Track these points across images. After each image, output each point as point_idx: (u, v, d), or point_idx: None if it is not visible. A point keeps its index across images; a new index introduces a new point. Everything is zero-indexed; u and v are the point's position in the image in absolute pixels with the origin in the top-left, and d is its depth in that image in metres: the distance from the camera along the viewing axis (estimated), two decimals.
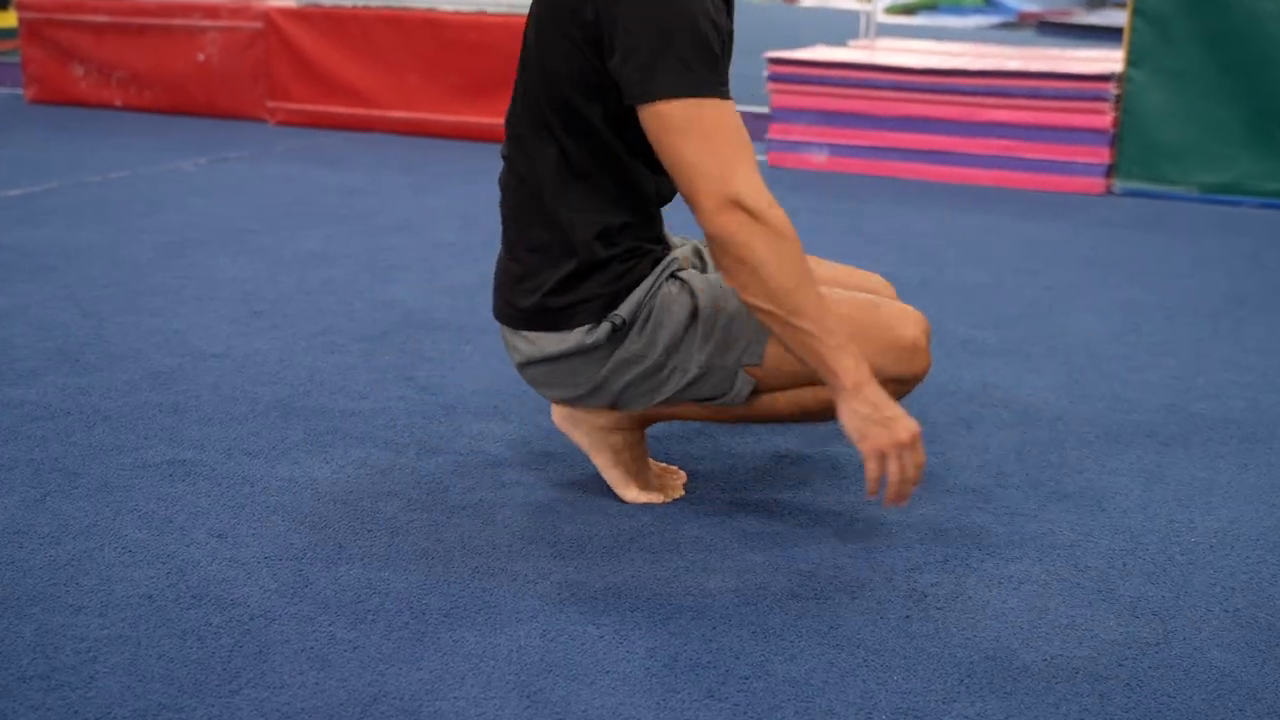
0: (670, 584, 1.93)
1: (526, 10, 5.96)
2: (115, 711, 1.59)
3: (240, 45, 6.40)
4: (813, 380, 2.02)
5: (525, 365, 2.12)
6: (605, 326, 2.02)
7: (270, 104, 6.40)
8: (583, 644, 1.76)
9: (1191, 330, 3.27)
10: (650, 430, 2.42)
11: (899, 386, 2.05)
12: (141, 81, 6.63)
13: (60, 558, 1.97)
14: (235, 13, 6.37)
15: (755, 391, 2.06)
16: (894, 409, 1.89)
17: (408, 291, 3.47)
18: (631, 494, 2.19)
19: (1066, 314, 3.40)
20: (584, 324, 2.02)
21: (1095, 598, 1.92)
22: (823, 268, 2.23)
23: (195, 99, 6.56)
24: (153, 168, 5.23)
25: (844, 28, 9.23)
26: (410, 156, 5.61)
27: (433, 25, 6.01)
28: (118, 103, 6.71)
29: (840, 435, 2.41)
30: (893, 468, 1.89)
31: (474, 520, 2.13)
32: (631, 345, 2.04)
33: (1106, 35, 11.72)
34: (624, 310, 2.03)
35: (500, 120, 6.57)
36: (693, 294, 2.05)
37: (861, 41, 6.46)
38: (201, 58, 6.49)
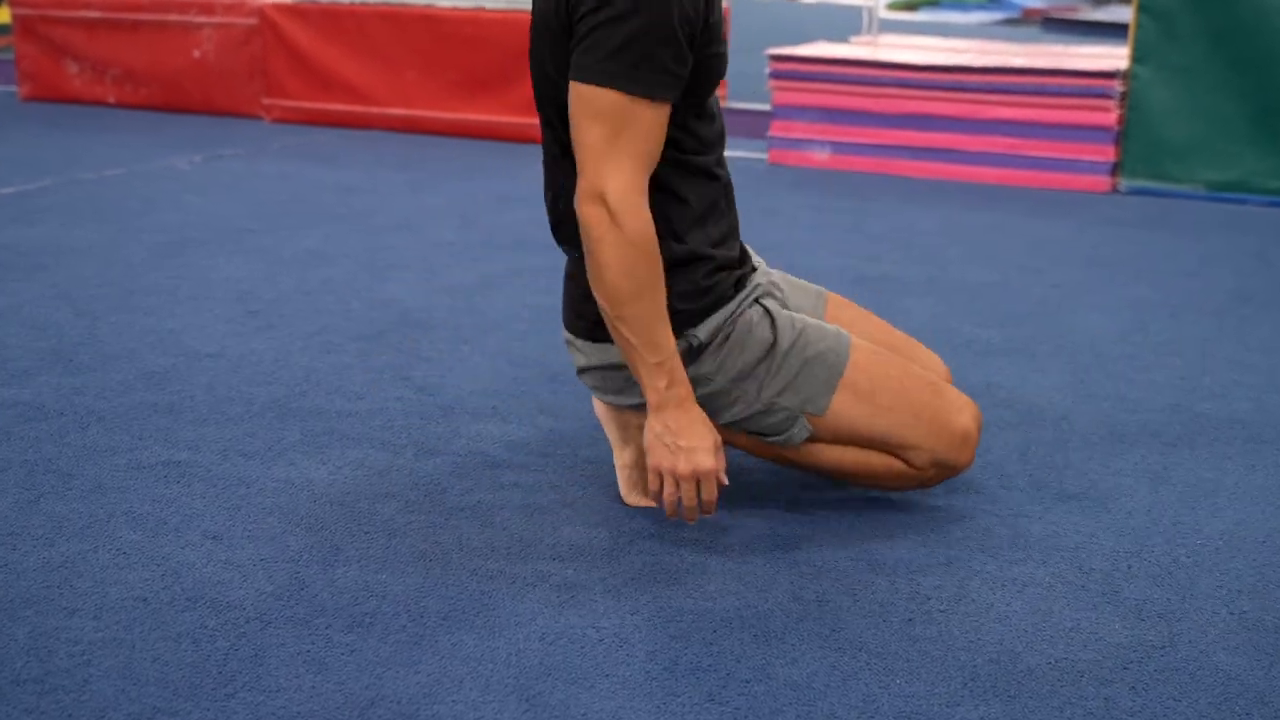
0: (671, 586, 1.93)
1: (525, 7, 5.98)
2: (109, 715, 1.59)
3: (236, 41, 6.40)
4: (866, 443, 2.08)
5: (586, 371, 2.13)
6: (681, 345, 2.03)
7: (266, 101, 6.40)
8: (582, 647, 1.76)
9: (1197, 329, 3.28)
10: None
11: (940, 471, 2.11)
12: (136, 78, 6.63)
13: (54, 560, 1.98)
14: (230, 9, 6.38)
15: (808, 439, 2.09)
16: (690, 440, 1.93)
17: (405, 291, 3.47)
18: (634, 497, 2.19)
19: (1072, 313, 3.40)
20: None
21: (1100, 600, 1.92)
22: (893, 337, 2.28)
23: (190, 96, 6.56)
24: (147, 166, 5.23)
25: (846, 24, 9.23)
26: (408, 154, 5.61)
27: (430, 21, 6.01)
28: (112, 100, 6.71)
29: None
30: (667, 489, 1.97)
31: (472, 522, 2.13)
32: (702, 366, 2.05)
33: (1111, 31, 11.72)
34: (702, 332, 2.03)
35: (500, 117, 6.59)
36: (774, 327, 2.07)
37: (864, 38, 6.46)
38: (197, 54, 6.49)
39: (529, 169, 5.35)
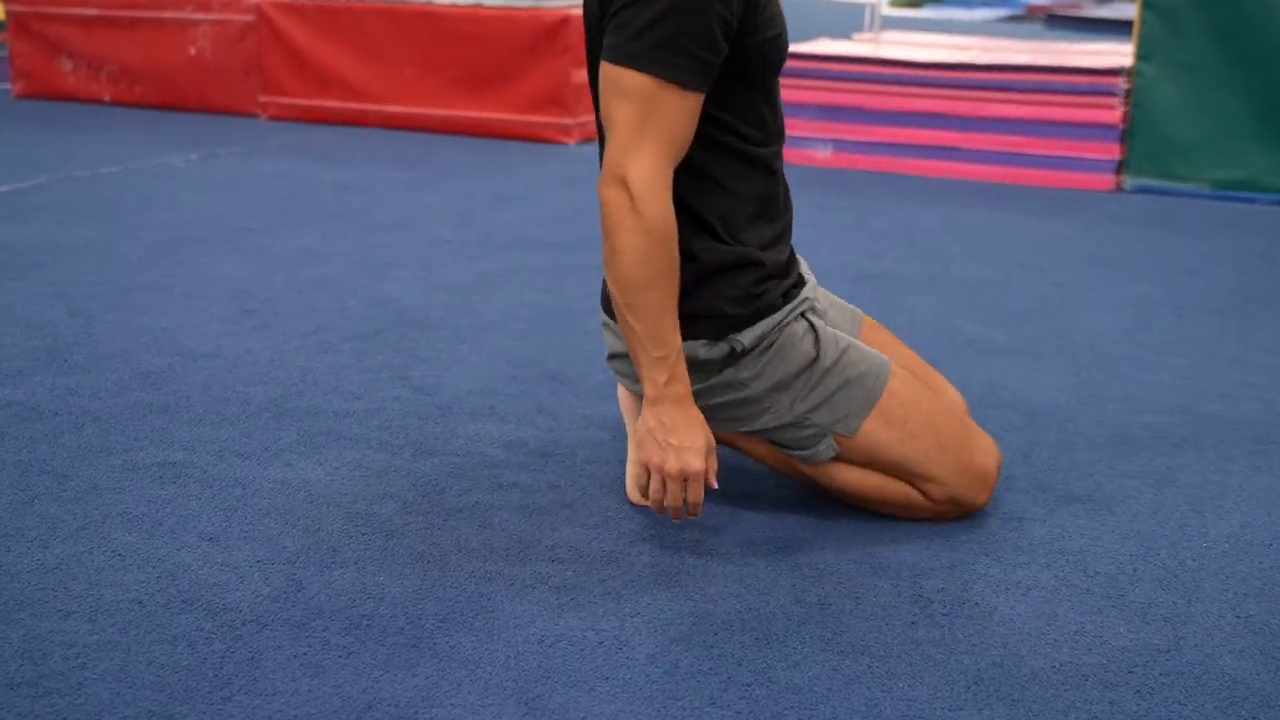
0: (671, 589, 1.93)
1: (524, 4, 5.98)
2: (105, 719, 1.59)
3: (232, 39, 6.40)
4: (888, 470, 2.10)
5: (617, 357, 2.13)
6: (723, 347, 2.03)
7: (262, 98, 6.40)
8: (582, 650, 1.76)
9: (1203, 329, 3.27)
10: None
11: (955, 508, 2.13)
12: (131, 76, 6.64)
13: (48, 561, 1.97)
14: (226, 6, 6.38)
15: (832, 458, 2.10)
16: (681, 439, 1.93)
17: (403, 290, 3.47)
18: (639, 496, 2.19)
19: (1075, 313, 3.40)
20: (701, 338, 2.02)
21: (1105, 603, 1.92)
22: (918, 366, 2.29)
23: (186, 94, 6.56)
24: (143, 164, 5.23)
25: (848, 21, 9.23)
26: (405, 152, 5.61)
27: (428, 18, 6.01)
28: (107, 97, 6.71)
29: None
30: (654, 485, 1.97)
31: (470, 523, 2.13)
32: (740, 371, 2.05)
33: (1116, 28, 11.73)
34: (747, 338, 2.03)
35: (499, 115, 6.59)
36: (818, 342, 2.07)
37: (866, 35, 6.46)
38: (192, 51, 6.49)
39: (528, 167, 5.35)
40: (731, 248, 2.01)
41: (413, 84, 6.09)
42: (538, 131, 5.93)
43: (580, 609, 1.86)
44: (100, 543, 2.04)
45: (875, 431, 2.07)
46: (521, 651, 1.75)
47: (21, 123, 6.15)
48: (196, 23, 6.45)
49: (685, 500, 1.97)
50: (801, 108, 5.44)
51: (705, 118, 1.95)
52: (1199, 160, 4.99)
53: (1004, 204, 4.80)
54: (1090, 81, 5.07)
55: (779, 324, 2.05)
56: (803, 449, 2.09)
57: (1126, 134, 5.08)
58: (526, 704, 1.63)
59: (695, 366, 2.03)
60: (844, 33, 6.94)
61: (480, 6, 5.96)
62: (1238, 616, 1.88)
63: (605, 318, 2.14)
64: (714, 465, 1.97)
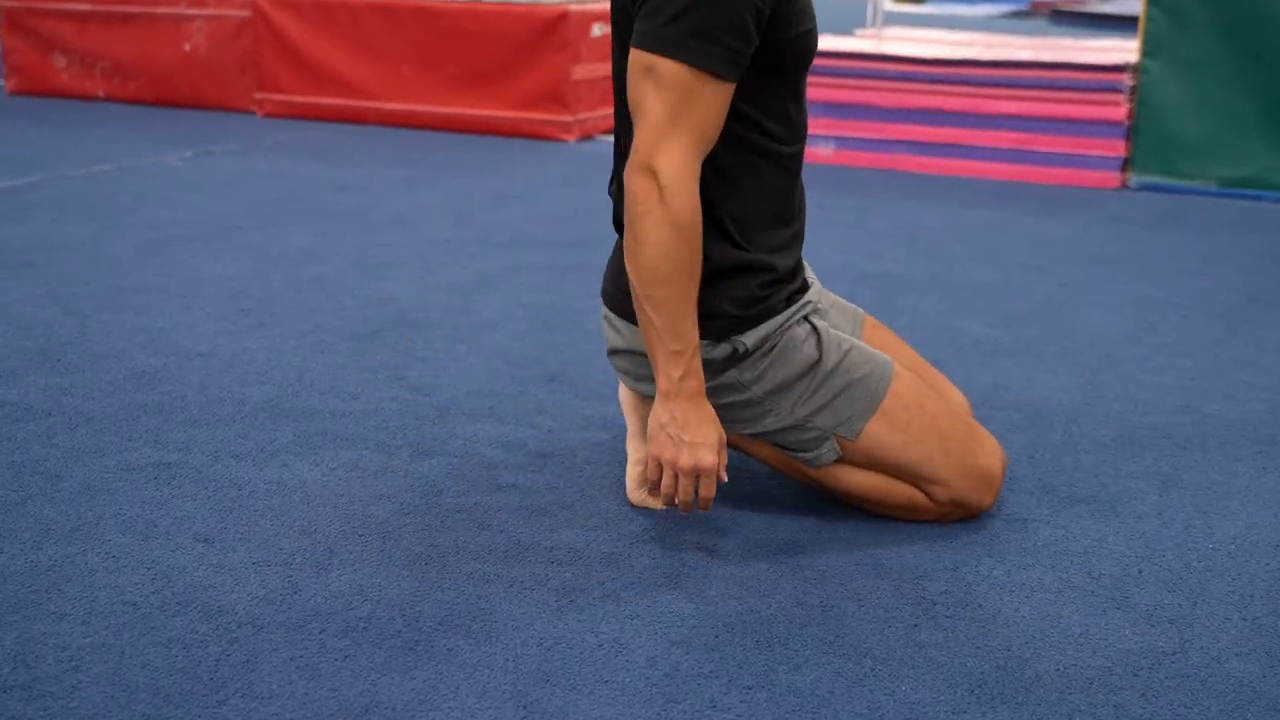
0: (671, 590, 1.93)
1: (523, 0, 5.97)
2: None
3: (227, 35, 6.40)
4: (892, 472, 2.10)
5: (619, 353, 2.13)
6: (726, 348, 2.03)
7: (258, 95, 6.40)
8: (581, 653, 1.76)
9: (1208, 329, 3.27)
10: None
11: (960, 510, 2.14)
12: (126, 72, 6.64)
13: (41, 563, 1.97)
14: (222, 1, 6.38)
15: (835, 461, 2.10)
16: (695, 434, 1.93)
17: (400, 289, 3.47)
18: (639, 495, 2.19)
19: (1079, 312, 3.40)
20: (704, 338, 2.02)
21: (1110, 606, 1.92)
22: (921, 366, 2.29)
23: (181, 90, 6.56)
24: (137, 161, 5.23)
25: (850, 16, 9.23)
26: (403, 150, 5.61)
27: (427, 14, 6.01)
28: (101, 94, 6.71)
29: None
30: (665, 481, 1.96)
31: (469, 525, 2.13)
32: (742, 373, 2.05)
33: (1121, 24, 11.73)
34: (749, 339, 2.03)
35: (498, 112, 6.58)
36: (820, 345, 2.07)
37: (868, 31, 6.46)
38: (187, 48, 6.50)
39: (527, 165, 5.35)
40: (744, 252, 2.01)
41: (411, 81, 6.09)
42: (537, 129, 5.93)
43: (580, 611, 1.87)
44: (94, 544, 2.04)
45: (878, 434, 2.07)
46: (520, 654, 1.75)
47: (14, 120, 6.15)
48: (191, 18, 6.45)
49: (696, 495, 1.97)
50: None
51: (731, 113, 1.94)
52: (1205, 158, 4.99)
53: (1007, 202, 4.80)
54: (1095, 78, 5.07)
55: (782, 326, 2.05)
56: (805, 451, 2.09)
57: (1131, 131, 5.08)
58: (525, 707, 1.63)
59: None
60: (846, 28, 6.94)
61: (479, 2, 5.96)
62: (1244, 619, 1.88)
63: (606, 311, 2.14)
64: (724, 460, 1.98)
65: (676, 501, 1.98)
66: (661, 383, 1.93)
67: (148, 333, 3.06)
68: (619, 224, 2.13)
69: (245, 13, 6.32)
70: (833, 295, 2.32)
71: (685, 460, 1.94)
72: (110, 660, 1.72)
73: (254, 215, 4.30)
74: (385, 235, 4.07)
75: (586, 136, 5.99)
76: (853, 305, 2.32)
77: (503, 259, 3.82)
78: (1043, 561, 2.05)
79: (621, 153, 2.07)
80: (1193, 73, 4.95)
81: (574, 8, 5.79)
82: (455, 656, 1.74)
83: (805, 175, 2.15)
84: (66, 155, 5.29)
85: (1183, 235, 4.34)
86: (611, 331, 2.14)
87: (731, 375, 2.05)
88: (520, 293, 3.46)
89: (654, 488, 2.02)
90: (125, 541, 2.05)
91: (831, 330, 2.11)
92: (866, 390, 2.06)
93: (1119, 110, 5.05)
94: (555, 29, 5.81)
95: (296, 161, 5.29)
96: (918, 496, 2.11)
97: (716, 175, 1.97)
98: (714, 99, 1.87)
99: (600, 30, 5.97)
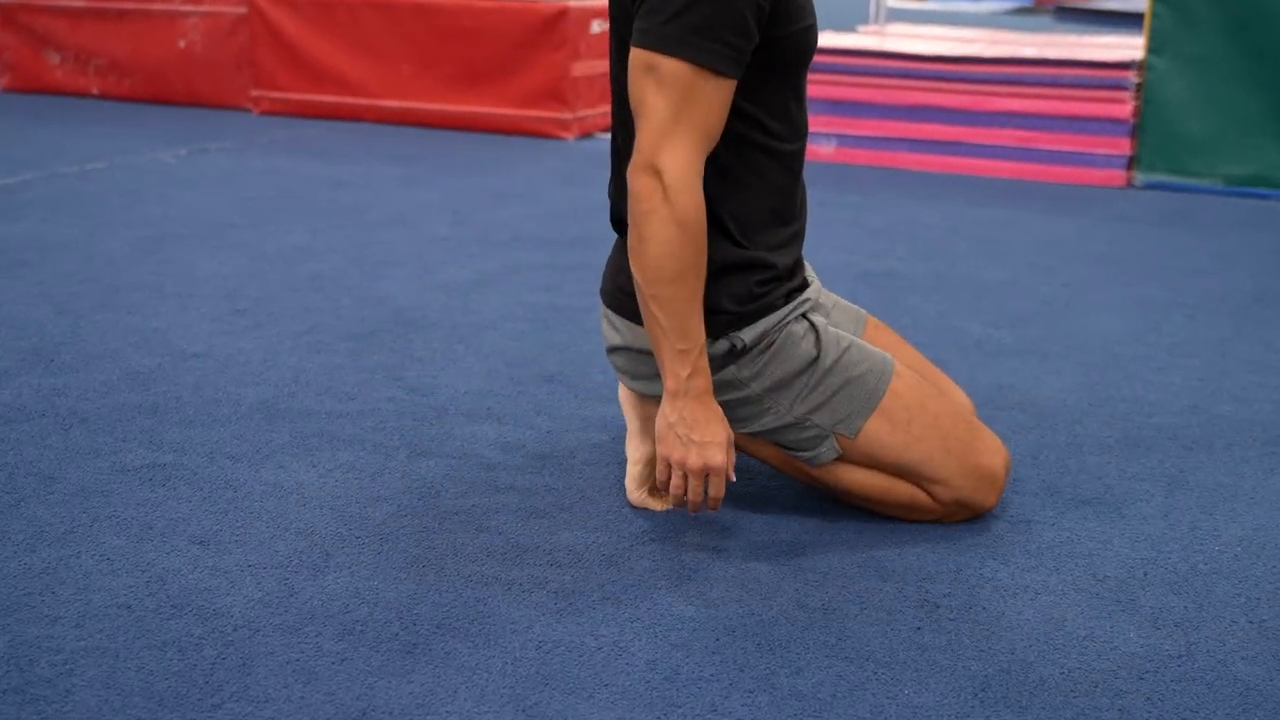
0: (671, 593, 1.93)
1: None
2: None
3: (223, 31, 6.40)
4: (893, 471, 2.10)
5: (618, 351, 2.14)
6: (724, 344, 2.03)
7: (254, 93, 6.40)
8: (580, 656, 1.76)
9: (1215, 329, 3.28)
10: None
11: (963, 510, 2.14)
12: (120, 69, 6.64)
13: (35, 566, 1.97)
14: None
15: (836, 459, 2.10)
16: (703, 434, 1.94)
17: (398, 288, 3.47)
18: (640, 496, 2.19)
19: (1085, 312, 3.40)
20: None
21: (1115, 608, 1.92)
22: (924, 366, 2.30)
23: (176, 87, 6.56)
24: (131, 159, 5.23)
25: (853, 13, 9.23)
26: (401, 148, 5.61)
27: (425, 11, 6.01)
28: (95, 91, 6.72)
29: None
30: (674, 481, 1.97)
31: (467, 527, 2.13)
32: (740, 370, 2.06)
33: (1127, 21, 11.72)
34: (747, 335, 2.04)
35: (497, 110, 6.58)
36: (818, 342, 2.08)
37: (871, 27, 6.46)
38: (183, 44, 6.50)
39: (526, 163, 5.36)
40: (743, 250, 2.02)
41: (408, 78, 6.09)
42: (536, 127, 5.93)
43: (579, 614, 1.87)
44: (88, 546, 2.04)
45: (878, 432, 2.07)
46: (519, 657, 1.75)
47: (7, 117, 6.16)
48: (187, 15, 6.45)
49: (705, 494, 1.97)
50: None
51: (732, 110, 1.95)
52: (1211, 156, 4.99)
53: (1011, 201, 4.80)
54: (1100, 75, 5.07)
55: (780, 323, 2.05)
56: (806, 450, 2.09)
57: (1137, 129, 5.08)
58: (524, 711, 1.63)
59: None
60: (848, 24, 6.94)
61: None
62: (1251, 621, 1.88)
63: (605, 309, 2.15)
64: (733, 459, 1.98)
65: (685, 502, 1.98)
66: (669, 382, 1.94)
67: (142, 332, 3.06)
68: (617, 223, 2.13)
69: (241, 9, 6.32)
70: (835, 296, 2.32)
71: (694, 460, 1.94)
72: (104, 664, 1.72)
73: (250, 213, 4.30)
74: (383, 234, 4.07)
75: (586, 134, 5.99)
76: (855, 306, 2.32)
77: (501, 258, 3.82)
78: (1047, 564, 2.05)
79: (619, 152, 2.08)
80: (1199, 70, 4.95)
81: (573, 4, 5.80)
82: (453, 660, 1.74)
83: (806, 173, 2.15)
84: (60, 153, 5.29)
85: (1189, 234, 4.34)
86: (610, 329, 2.14)
87: (730, 372, 2.05)
88: (519, 292, 3.46)
89: (663, 488, 2.02)
90: (119, 544, 2.05)
91: (830, 328, 2.11)
92: (865, 388, 2.06)
93: (1124, 108, 5.05)
94: (554, 26, 5.81)
95: (293, 159, 5.30)
96: (920, 496, 2.11)
97: (717, 173, 1.98)
98: (716, 96, 1.88)
99: (600, 27, 5.97)
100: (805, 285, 2.14)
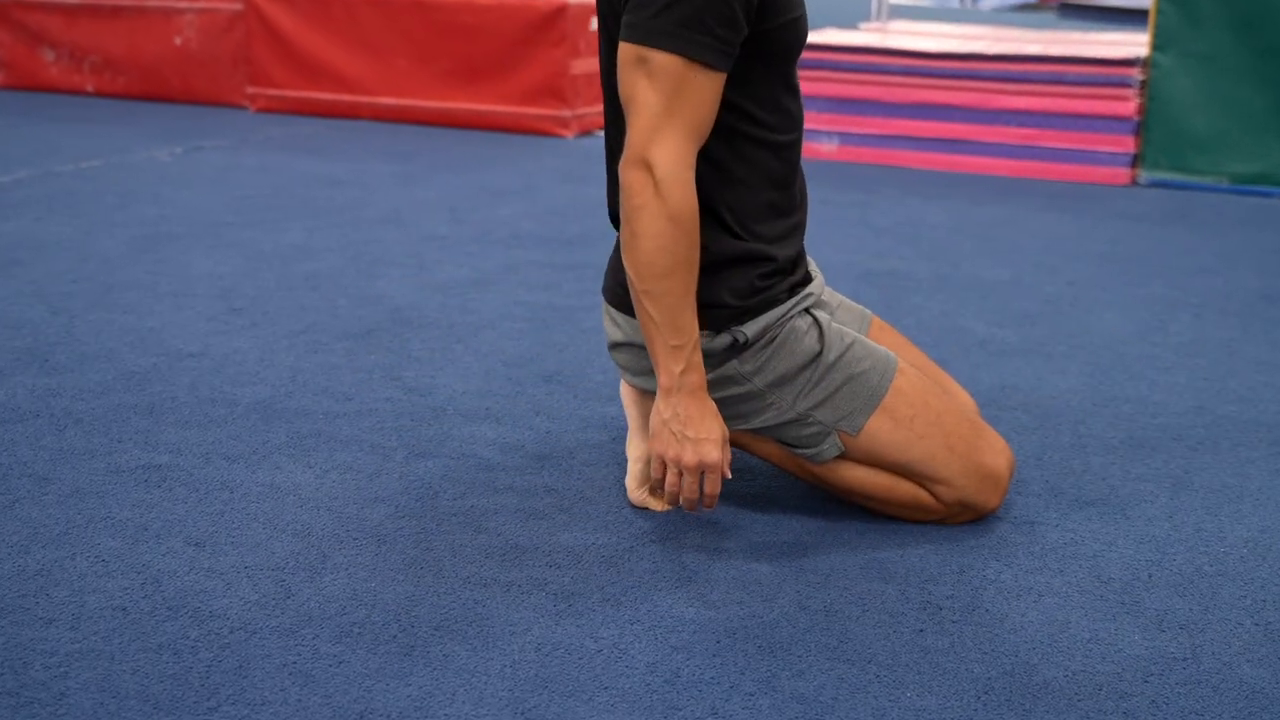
0: (672, 594, 1.93)
1: None
2: None
3: (219, 28, 6.40)
4: (896, 470, 2.10)
5: (619, 347, 2.14)
6: (725, 339, 2.04)
7: (250, 90, 6.40)
8: (580, 658, 1.76)
9: (1220, 329, 3.28)
10: None
11: (965, 511, 2.14)
12: (115, 66, 6.64)
13: (29, 567, 1.97)
14: None
15: (838, 457, 2.11)
16: (698, 430, 1.94)
17: (395, 288, 3.47)
18: (640, 495, 2.20)
19: (1089, 312, 3.40)
20: (702, 328, 2.02)
21: (1119, 610, 1.92)
22: (928, 367, 2.30)
23: (171, 85, 6.57)
24: (126, 157, 5.23)
25: (855, 10, 9.23)
26: (398, 145, 5.61)
27: (422, 7, 6.01)
28: (90, 89, 6.72)
29: None
30: (670, 478, 1.98)
31: (465, 528, 2.13)
32: (742, 365, 2.06)
33: (1131, 18, 11.73)
34: (750, 330, 2.04)
35: (495, 107, 6.57)
36: (822, 338, 2.08)
37: (874, 24, 6.47)
38: (178, 41, 6.50)
39: (524, 161, 5.36)
40: (743, 242, 2.02)
41: (406, 75, 6.10)
42: (534, 124, 5.93)
43: (578, 616, 1.87)
44: (83, 548, 2.04)
45: (880, 430, 2.07)
46: (518, 660, 1.75)
47: (2, 115, 6.16)
48: (182, 11, 6.45)
49: (701, 492, 1.98)
50: (806, 99, 5.44)
51: (723, 104, 1.95)
52: (1216, 153, 4.99)
53: (1015, 199, 4.80)
54: (1104, 73, 5.07)
55: (783, 318, 2.05)
56: (808, 447, 2.10)
57: (1142, 127, 5.08)
58: (523, 714, 1.63)
59: None
60: (851, 21, 6.94)
61: None
62: (1256, 624, 1.88)
63: (607, 306, 2.15)
64: (729, 456, 1.98)
65: (681, 500, 1.99)
66: (662, 379, 1.94)
67: (137, 332, 3.06)
68: (615, 220, 2.13)
69: (237, 6, 6.32)
70: (839, 295, 2.32)
71: (689, 457, 1.94)
72: (100, 666, 1.72)
73: (245, 212, 4.30)
74: (380, 232, 4.07)
75: (585, 132, 5.99)
76: (859, 305, 2.33)
77: (499, 256, 3.82)
78: (1051, 565, 2.05)
79: (611, 149, 2.08)
80: (1204, 67, 4.95)
81: (572, 1, 5.80)
82: (451, 662, 1.74)
83: (808, 171, 2.16)
84: (54, 150, 5.29)
85: (1194, 233, 4.34)
86: (611, 325, 2.15)
87: (732, 367, 2.05)
88: (517, 291, 3.46)
89: (658, 486, 2.02)
90: (115, 545, 2.05)
91: (834, 324, 2.11)
92: (868, 385, 2.07)
93: (1129, 105, 5.05)
94: (553, 23, 5.81)
95: (289, 157, 5.30)
96: (923, 496, 2.12)
97: (712, 166, 1.98)
98: (707, 90, 1.88)
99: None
100: (808, 280, 2.14)
